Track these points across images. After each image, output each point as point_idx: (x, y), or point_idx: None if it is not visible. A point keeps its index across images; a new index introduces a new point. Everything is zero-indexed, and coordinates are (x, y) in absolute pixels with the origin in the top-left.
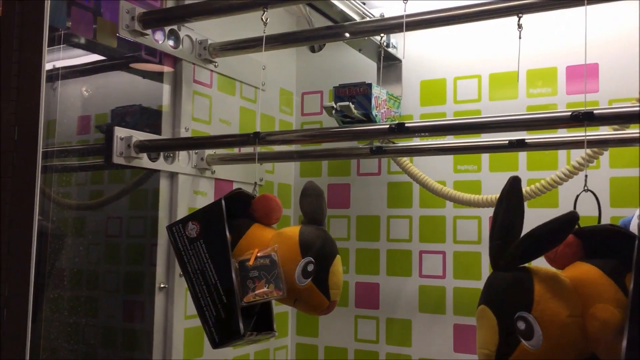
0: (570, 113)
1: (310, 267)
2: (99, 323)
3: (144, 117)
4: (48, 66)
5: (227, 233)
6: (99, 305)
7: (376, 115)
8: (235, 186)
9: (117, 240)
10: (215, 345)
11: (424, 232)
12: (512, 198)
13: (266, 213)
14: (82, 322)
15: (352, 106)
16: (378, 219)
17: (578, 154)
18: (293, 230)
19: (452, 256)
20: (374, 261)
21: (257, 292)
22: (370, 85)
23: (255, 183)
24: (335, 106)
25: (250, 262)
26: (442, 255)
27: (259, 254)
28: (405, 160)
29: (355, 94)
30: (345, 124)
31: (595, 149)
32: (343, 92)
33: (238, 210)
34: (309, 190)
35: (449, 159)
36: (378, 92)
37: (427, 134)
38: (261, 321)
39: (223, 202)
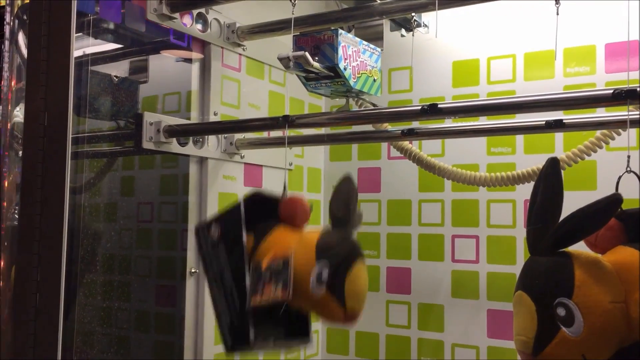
0: (612, 91)
1: (325, 273)
2: (131, 307)
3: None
4: (78, 52)
5: (244, 237)
6: (131, 289)
7: (345, 68)
8: (264, 171)
9: (148, 225)
10: (228, 349)
11: (457, 216)
12: (550, 180)
13: (291, 216)
14: (115, 306)
15: (309, 56)
16: (409, 203)
17: None
18: (314, 234)
19: (485, 241)
20: (405, 246)
21: (263, 295)
22: (336, 31)
23: (284, 187)
24: (290, 57)
25: (263, 266)
26: (475, 240)
27: (274, 257)
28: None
29: (319, 43)
30: (310, 82)
31: None
32: (304, 41)
33: (270, 211)
34: (336, 189)
35: (481, 141)
36: (348, 41)
37: (460, 115)
38: (298, 327)
39: (242, 205)
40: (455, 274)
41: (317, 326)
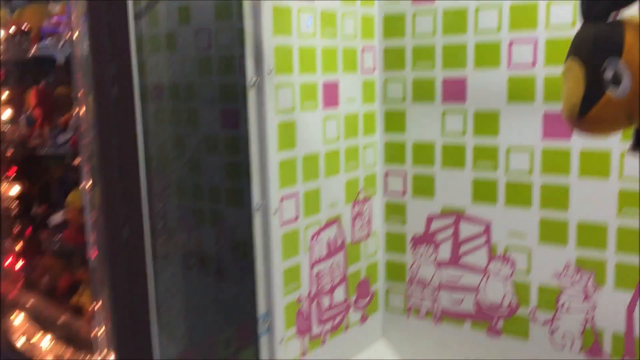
0: None
1: None
2: (198, 132)
3: None
4: None
5: None
6: (197, 115)
7: None
8: None
9: (207, 52)
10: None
11: (514, 20)
12: None
13: None
14: (183, 132)
15: None
16: (465, 12)
17: None
18: None
19: (544, 44)
20: (461, 55)
21: None
22: None
23: None
24: None
25: None
26: (532, 44)
27: None
28: None
29: None
30: None
31: None
32: None
33: None
34: None
35: None
36: None
37: None
38: None
39: None
40: (512, 80)
41: (375, 138)
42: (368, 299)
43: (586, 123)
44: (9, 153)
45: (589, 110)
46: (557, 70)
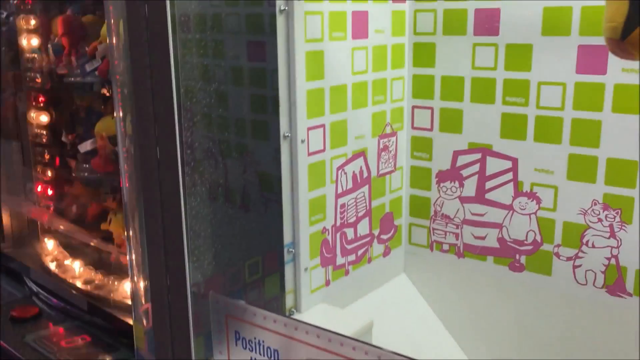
0: None
1: None
2: (224, 63)
3: None
4: None
5: None
6: (223, 46)
7: None
8: None
9: None
10: None
11: None
12: None
13: None
14: (210, 63)
15: None
16: None
17: None
18: None
19: None
20: None
21: None
22: None
23: None
24: None
25: None
26: None
27: None
28: None
29: None
30: None
31: None
32: None
33: None
34: None
35: None
36: None
37: None
38: None
39: None
40: (547, 11)
41: (403, 73)
42: (391, 233)
43: (629, 45)
44: (37, 82)
45: (633, 32)
46: (596, 1)
